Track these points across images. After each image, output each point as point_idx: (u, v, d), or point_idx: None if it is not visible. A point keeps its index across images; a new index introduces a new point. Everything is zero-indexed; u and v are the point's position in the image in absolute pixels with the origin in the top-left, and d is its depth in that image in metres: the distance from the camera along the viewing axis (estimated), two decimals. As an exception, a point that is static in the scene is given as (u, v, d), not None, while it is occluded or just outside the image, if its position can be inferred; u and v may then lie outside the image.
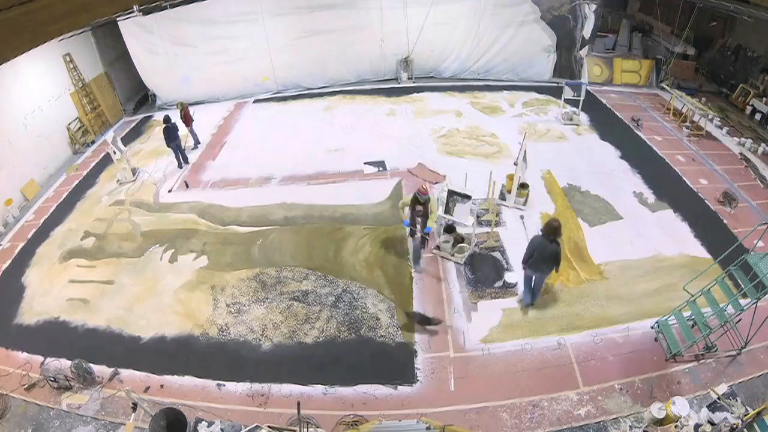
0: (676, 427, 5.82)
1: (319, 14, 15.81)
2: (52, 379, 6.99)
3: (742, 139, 12.58)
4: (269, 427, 5.66)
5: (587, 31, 15.87)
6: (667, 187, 10.72)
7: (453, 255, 8.91)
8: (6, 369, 7.50)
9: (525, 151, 9.56)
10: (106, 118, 15.99)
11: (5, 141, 11.79)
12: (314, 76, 17.29)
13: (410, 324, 7.75)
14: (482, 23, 16.05)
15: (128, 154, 12.85)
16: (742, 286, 6.29)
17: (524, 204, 10.19)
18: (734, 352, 6.94)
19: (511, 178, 10.05)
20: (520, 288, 8.13)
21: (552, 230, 6.99)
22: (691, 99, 13.73)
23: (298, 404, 5.42)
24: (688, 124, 13.31)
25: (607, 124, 13.69)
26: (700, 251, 8.87)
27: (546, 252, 7.05)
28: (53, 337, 8.07)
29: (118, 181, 12.35)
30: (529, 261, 7.28)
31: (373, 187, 11.22)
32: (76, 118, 14.69)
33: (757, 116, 13.70)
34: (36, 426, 6.62)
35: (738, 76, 15.32)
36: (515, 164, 9.77)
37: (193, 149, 13.75)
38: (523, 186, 10.08)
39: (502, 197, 10.40)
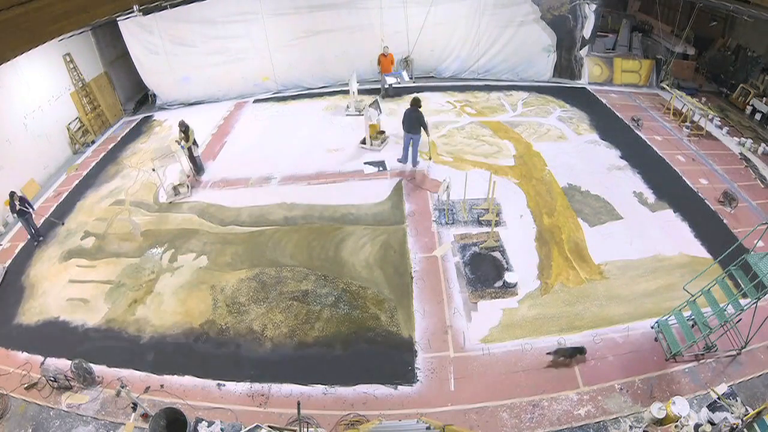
0: (676, 427, 5.82)
1: (319, 14, 15.80)
2: (51, 379, 6.99)
3: (742, 139, 12.58)
4: (269, 426, 5.67)
5: (587, 31, 15.85)
6: (667, 187, 10.72)
7: None
8: (6, 369, 7.51)
9: (376, 102, 12.83)
10: (106, 118, 15.99)
11: (5, 141, 11.80)
12: (314, 76, 17.28)
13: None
14: (482, 23, 16.03)
15: (129, 155, 12.79)
16: (742, 286, 6.29)
17: (380, 145, 12.79)
18: (734, 352, 6.94)
19: (372, 127, 12.82)
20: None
21: (415, 102, 11.09)
22: (691, 99, 13.73)
23: (299, 404, 5.43)
24: (688, 124, 13.31)
25: (607, 124, 13.69)
26: (700, 251, 8.88)
27: (413, 117, 11.05)
28: (53, 337, 8.07)
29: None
30: (405, 126, 11.26)
31: (373, 187, 11.22)
32: (76, 118, 14.69)
33: (757, 116, 13.70)
34: (36, 426, 6.62)
35: (738, 76, 15.33)
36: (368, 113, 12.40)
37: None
38: (381, 132, 13.04)
39: (363, 142, 12.95)
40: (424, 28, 15.87)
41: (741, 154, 12.09)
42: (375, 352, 7.39)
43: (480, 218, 9.89)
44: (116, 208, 11.36)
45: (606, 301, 7.93)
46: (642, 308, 7.75)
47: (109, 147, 14.60)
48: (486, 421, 6.30)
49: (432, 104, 15.38)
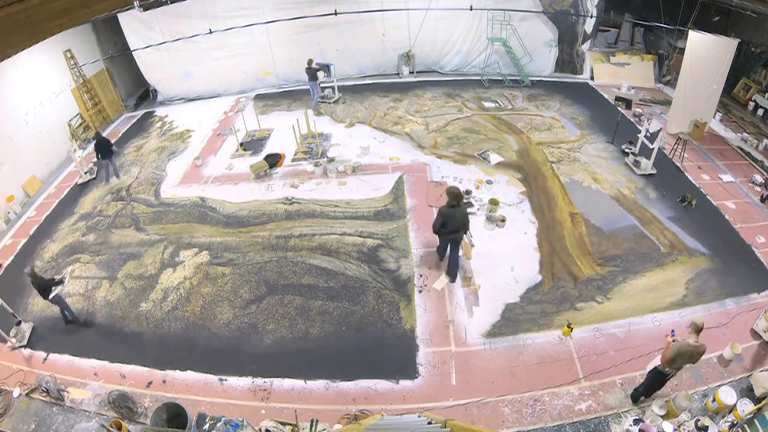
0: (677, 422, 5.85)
1: (320, 9, 15.73)
2: (44, 390, 6.85)
3: (744, 135, 12.53)
4: (275, 421, 5.71)
5: (589, 26, 15.79)
6: (668, 183, 10.69)
7: None
8: (9, 366, 7.54)
9: None
10: (107, 113, 15.98)
11: (6, 137, 11.78)
12: (315, 71, 17.23)
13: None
14: (484, 17, 15.97)
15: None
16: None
17: None
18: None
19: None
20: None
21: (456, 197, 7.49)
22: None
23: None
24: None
25: (609, 119, 13.62)
26: (699, 248, 8.86)
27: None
28: (55, 335, 8.09)
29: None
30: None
31: (374, 182, 11.20)
32: (77, 114, 14.68)
33: (760, 111, 13.65)
34: (39, 421, 6.65)
35: (740, 71, 15.24)
36: None
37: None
38: None
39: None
40: (426, 23, 15.84)
41: (742, 149, 12.05)
42: (376, 347, 7.41)
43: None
44: (117, 203, 11.37)
45: (607, 297, 7.94)
46: (643, 303, 7.76)
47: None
48: (487, 415, 6.32)
49: (433, 99, 15.37)
